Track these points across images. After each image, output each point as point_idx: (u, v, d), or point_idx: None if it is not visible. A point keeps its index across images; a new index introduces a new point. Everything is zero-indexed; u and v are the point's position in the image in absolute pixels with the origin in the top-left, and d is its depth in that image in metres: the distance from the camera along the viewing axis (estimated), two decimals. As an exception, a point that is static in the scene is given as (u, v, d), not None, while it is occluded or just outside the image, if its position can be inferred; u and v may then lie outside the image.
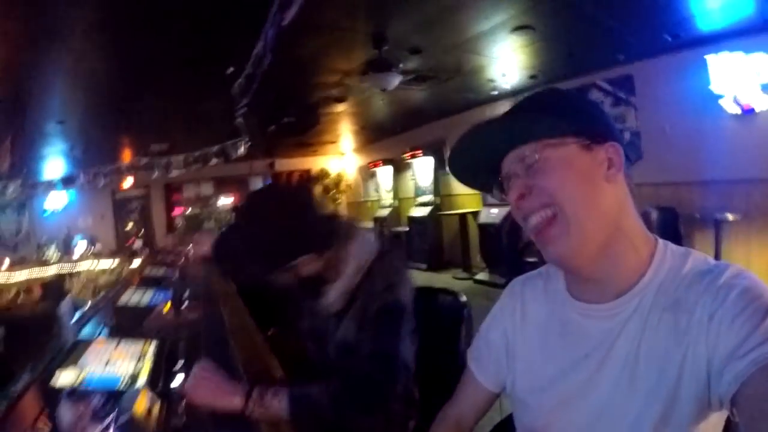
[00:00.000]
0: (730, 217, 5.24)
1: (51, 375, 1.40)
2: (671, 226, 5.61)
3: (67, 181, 9.60)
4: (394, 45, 4.94)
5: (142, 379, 1.45)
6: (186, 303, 2.68)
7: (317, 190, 14.80)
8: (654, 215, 5.66)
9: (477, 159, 1.00)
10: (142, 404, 1.20)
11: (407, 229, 10.82)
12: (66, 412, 0.97)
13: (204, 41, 4.39)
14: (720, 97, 5.43)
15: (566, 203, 0.88)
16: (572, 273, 1.00)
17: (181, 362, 1.63)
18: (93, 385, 1.38)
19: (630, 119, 6.57)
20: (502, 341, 1.15)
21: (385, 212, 12.11)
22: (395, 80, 5.12)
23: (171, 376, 1.55)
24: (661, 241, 0.96)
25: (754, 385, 0.71)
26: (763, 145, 5.23)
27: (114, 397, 1.19)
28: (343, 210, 14.74)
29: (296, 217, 1.51)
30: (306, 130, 7.82)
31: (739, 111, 5.33)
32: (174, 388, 1.47)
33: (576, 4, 4.37)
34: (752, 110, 5.24)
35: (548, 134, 0.91)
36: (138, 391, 1.25)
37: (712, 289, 0.83)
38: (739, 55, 5.22)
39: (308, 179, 14.93)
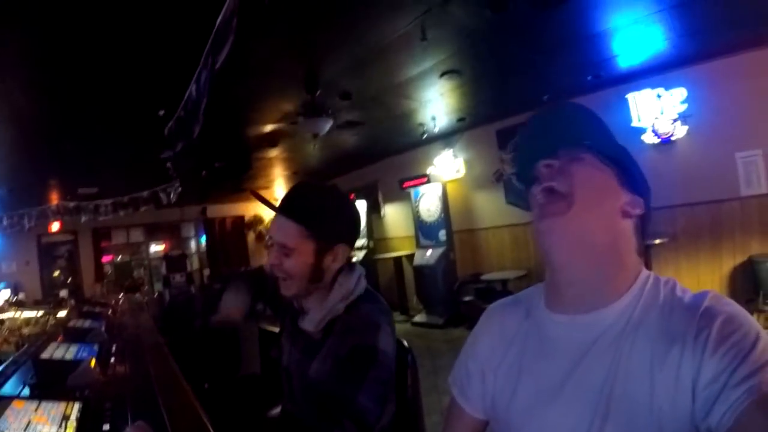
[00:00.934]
0: (657, 241, 5.50)
1: None
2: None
3: (-11, 223, 9.11)
4: (326, 90, 5.00)
5: None
6: (113, 358, 2.58)
7: (250, 236, 14.61)
8: None
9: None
10: None
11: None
12: None
13: (135, 82, 4.33)
14: (642, 131, 5.85)
15: (578, 194, 0.93)
16: (553, 261, 0.99)
17: (106, 426, 1.55)
18: None
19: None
20: (482, 367, 1.13)
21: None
22: (327, 125, 5.16)
23: None
24: (646, 270, 0.97)
25: (751, 419, 0.69)
26: (683, 170, 5.64)
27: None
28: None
29: (350, 206, 1.66)
30: (238, 174, 7.74)
31: (658, 141, 5.77)
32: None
33: (501, 47, 4.56)
34: (669, 139, 5.70)
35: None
36: None
37: (694, 316, 0.82)
38: (659, 90, 5.68)
39: (241, 225, 14.72)
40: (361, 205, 10.28)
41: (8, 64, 3.73)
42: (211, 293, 7.89)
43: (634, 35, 4.56)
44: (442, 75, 5.17)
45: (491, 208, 8.08)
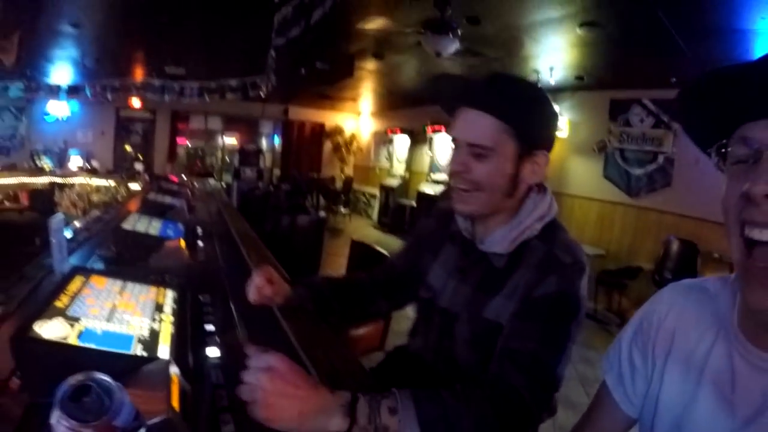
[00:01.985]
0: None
1: (30, 319, 0.95)
2: (689, 260, 5.51)
3: (72, 91, 9.19)
4: (455, 8, 4.61)
5: (164, 347, 1.04)
6: (200, 242, 2.36)
7: (327, 145, 14.54)
8: (675, 246, 5.63)
9: (721, 107, 0.71)
10: (174, 392, 0.82)
11: (414, 203, 10.54)
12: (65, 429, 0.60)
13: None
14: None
15: None
16: None
17: (210, 326, 1.29)
18: (93, 343, 0.95)
19: (666, 144, 6.35)
20: (645, 362, 0.93)
21: (394, 182, 11.82)
22: (453, 45, 4.81)
23: (201, 344, 1.19)
24: None
25: None
26: None
27: (125, 368, 0.84)
28: (350, 171, 14.45)
29: (553, 106, 1.32)
30: (337, 79, 7.46)
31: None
32: (210, 361, 1.13)
33: (651, 12, 4.09)
34: None
35: None
36: (164, 367, 0.88)
37: None
38: None
39: (320, 133, 14.61)
40: (448, 141, 10.00)
41: None
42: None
43: None
44: (582, 24, 4.72)
45: (585, 177, 7.62)
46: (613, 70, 6.24)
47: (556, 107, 7.50)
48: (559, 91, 7.63)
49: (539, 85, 6.82)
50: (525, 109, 1.23)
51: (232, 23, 5.87)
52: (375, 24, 5.75)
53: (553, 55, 6.01)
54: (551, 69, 6.57)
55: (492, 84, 1.27)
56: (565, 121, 7.85)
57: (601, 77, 6.66)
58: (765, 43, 4.22)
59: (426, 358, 1.46)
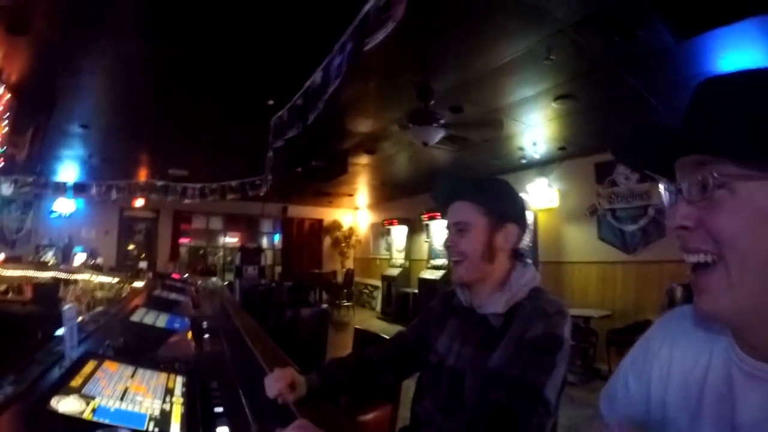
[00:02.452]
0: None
1: (47, 395, 1.04)
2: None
3: (78, 189, 9.43)
4: (437, 100, 4.86)
5: (175, 425, 1.13)
6: (206, 334, 2.44)
7: (326, 241, 14.72)
8: (678, 292, 5.61)
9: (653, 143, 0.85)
10: None
11: (416, 291, 10.59)
12: None
13: (249, 69, 4.35)
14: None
15: (735, 261, 0.69)
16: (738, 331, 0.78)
17: (219, 409, 1.36)
18: (108, 419, 1.03)
19: (655, 196, 6.49)
20: (640, 387, 0.96)
21: (395, 271, 11.92)
22: (438, 135, 5.01)
23: (211, 424, 1.26)
24: None
25: None
26: None
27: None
28: (350, 264, 14.54)
29: (517, 192, 1.73)
30: (333, 176, 7.72)
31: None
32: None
33: (619, 78, 4.38)
34: None
35: (743, 158, 0.68)
36: None
37: None
38: None
39: (319, 229, 14.83)
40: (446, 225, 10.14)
41: (126, 32, 3.79)
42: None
43: None
44: (556, 99, 5.01)
45: (581, 242, 7.73)
46: (592, 136, 6.42)
47: (544, 180, 7.77)
48: (545, 163, 7.92)
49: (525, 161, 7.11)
50: (492, 194, 1.65)
51: (232, 127, 6.18)
52: (364, 124, 6.06)
53: (534, 130, 6.24)
54: (534, 144, 6.81)
55: (471, 183, 1.68)
56: (555, 192, 8.05)
57: (583, 144, 6.85)
58: None
59: (435, 419, 1.59)
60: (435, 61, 4.22)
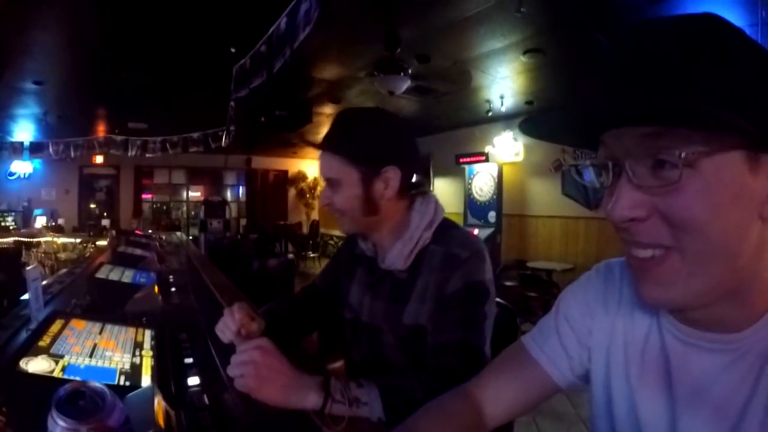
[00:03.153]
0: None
1: (15, 356, 1.01)
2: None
3: (35, 149, 9.15)
4: (404, 49, 4.80)
5: (146, 378, 1.12)
6: (173, 288, 2.41)
7: (291, 192, 14.62)
8: None
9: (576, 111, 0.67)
10: (159, 414, 0.89)
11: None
12: (62, 430, 0.65)
13: (208, 15, 4.17)
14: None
15: (694, 250, 0.60)
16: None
17: (189, 359, 1.36)
18: (78, 376, 1.01)
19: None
20: (584, 329, 0.90)
21: (360, 221, 11.86)
22: (405, 84, 4.98)
23: (182, 375, 1.26)
24: None
25: None
26: None
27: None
28: (316, 216, 14.52)
29: (396, 124, 1.44)
30: (297, 126, 7.59)
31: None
32: (191, 389, 1.19)
33: (589, 34, 4.26)
34: None
35: (710, 126, 0.55)
36: (149, 391, 0.94)
37: None
38: None
39: (284, 180, 14.70)
40: (412, 176, 10.18)
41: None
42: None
43: None
44: (525, 52, 4.99)
45: (545, 196, 7.90)
46: (560, 92, 6.45)
47: (510, 133, 7.82)
48: (511, 117, 7.93)
49: (491, 114, 7.14)
50: (359, 139, 1.37)
51: (193, 76, 5.99)
52: (330, 71, 5.93)
53: (502, 83, 6.23)
54: (501, 97, 6.83)
55: (334, 125, 1.43)
56: (521, 145, 8.14)
57: (550, 99, 6.87)
58: None
59: (364, 370, 1.55)
60: (402, 8, 4.13)
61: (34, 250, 6.03)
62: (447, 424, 0.89)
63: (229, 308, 1.34)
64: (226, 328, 1.34)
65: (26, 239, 7.66)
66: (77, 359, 1.10)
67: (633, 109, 0.59)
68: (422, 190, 1.50)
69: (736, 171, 0.56)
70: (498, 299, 1.56)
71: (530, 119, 0.67)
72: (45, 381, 0.97)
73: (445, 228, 1.42)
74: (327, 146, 1.39)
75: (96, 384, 0.75)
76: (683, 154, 0.55)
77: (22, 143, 9.23)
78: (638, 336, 0.80)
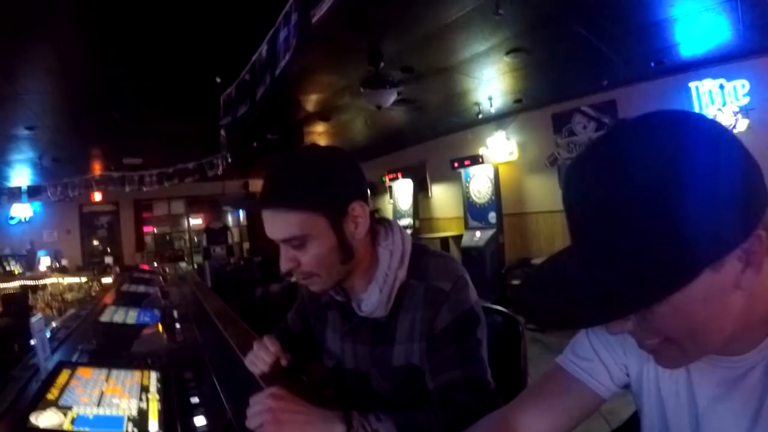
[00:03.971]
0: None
1: (25, 412, 1.02)
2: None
3: (33, 192, 9.20)
4: (388, 63, 4.84)
5: (153, 422, 1.14)
6: (177, 324, 2.43)
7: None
8: None
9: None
10: None
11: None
12: None
13: (191, 49, 4.23)
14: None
15: (682, 343, 0.68)
16: None
17: (195, 399, 1.37)
18: (87, 427, 1.04)
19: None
20: (618, 346, 0.95)
21: (361, 236, 11.89)
22: (391, 97, 5.02)
23: (189, 415, 1.27)
24: None
25: None
26: None
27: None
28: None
29: (344, 160, 1.25)
30: (289, 147, 7.64)
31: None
32: (199, 430, 1.20)
33: (569, 29, 4.39)
34: None
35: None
36: None
37: None
38: (721, 81, 5.52)
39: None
40: (408, 185, 10.24)
41: (62, 26, 3.63)
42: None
43: (699, 24, 4.42)
44: (508, 53, 4.99)
45: (543, 192, 7.85)
46: (547, 88, 6.50)
47: (502, 133, 7.85)
48: (502, 117, 8.00)
49: (481, 116, 7.17)
50: (315, 183, 1.17)
51: (182, 110, 6.03)
52: (317, 91, 5.97)
53: (489, 85, 6.23)
54: (490, 98, 6.84)
55: (275, 179, 1.21)
56: (514, 144, 8.16)
57: (538, 96, 6.93)
58: (684, 28, 4.49)
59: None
60: (383, 24, 4.17)
61: (41, 292, 6.05)
62: None
63: (260, 341, 1.35)
64: (259, 360, 1.36)
65: (32, 282, 7.68)
66: (85, 410, 1.12)
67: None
68: (378, 217, 1.38)
69: (699, 286, 0.60)
70: (499, 307, 1.56)
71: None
72: (56, 435, 0.99)
73: (418, 257, 1.33)
74: (278, 203, 1.18)
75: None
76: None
77: (19, 188, 9.26)
78: None
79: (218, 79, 4.73)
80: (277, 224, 1.18)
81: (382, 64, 4.77)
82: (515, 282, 7.36)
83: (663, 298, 0.61)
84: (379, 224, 1.35)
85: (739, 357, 0.74)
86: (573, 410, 0.97)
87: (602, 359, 0.96)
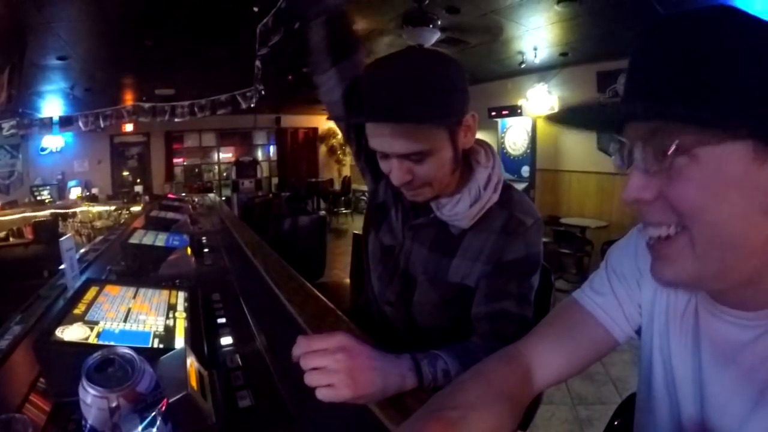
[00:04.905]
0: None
1: (51, 325, 1.02)
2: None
3: (64, 123, 9.24)
4: (433, 1, 4.66)
5: (179, 339, 1.12)
6: (206, 249, 2.42)
7: (321, 149, 14.61)
8: None
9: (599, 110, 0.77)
10: (192, 375, 0.88)
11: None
12: (93, 398, 0.66)
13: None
14: None
15: (702, 234, 0.63)
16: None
17: (222, 320, 1.35)
18: (113, 341, 1.02)
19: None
20: (634, 283, 0.94)
21: (392, 180, 11.86)
22: (434, 36, 4.87)
23: (215, 335, 1.27)
24: None
25: None
26: None
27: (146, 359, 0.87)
28: (347, 172, 14.52)
29: (458, 68, 1.20)
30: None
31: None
32: (224, 349, 1.19)
33: None
34: None
35: (712, 119, 0.58)
36: (181, 353, 0.93)
37: None
38: None
39: (314, 137, 14.68)
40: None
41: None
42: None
43: None
44: (559, 1, 4.75)
45: (580, 152, 7.67)
46: (595, 43, 6.21)
47: (544, 86, 7.64)
48: (545, 69, 7.71)
49: (524, 66, 6.97)
50: (436, 97, 1.12)
51: (217, 39, 5.92)
52: (358, 24, 5.80)
53: (535, 34, 6.00)
54: (535, 49, 6.58)
55: (392, 91, 1.12)
56: (555, 98, 7.92)
57: (585, 51, 6.64)
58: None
59: (382, 310, 1.51)
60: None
61: (71, 220, 6.18)
62: (488, 391, 0.84)
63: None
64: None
65: (62, 210, 7.84)
66: (111, 324, 1.11)
67: (641, 114, 0.66)
68: (481, 140, 1.35)
69: (739, 162, 0.59)
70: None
71: (558, 116, 0.78)
72: (80, 348, 0.97)
73: (508, 190, 1.34)
74: (401, 117, 1.11)
75: (125, 350, 0.74)
76: (676, 143, 0.60)
77: (51, 118, 9.30)
78: (681, 299, 0.84)
79: (255, 9, 4.60)
80: (401, 139, 1.13)
81: (426, 1, 4.59)
82: (544, 239, 7.30)
83: (711, 124, 0.58)
84: (480, 145, 1.35)
85: (754, 314, 0.69)
86: (585, 346, 0.96)
87: (617, 295, 0.95)
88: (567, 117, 0.80)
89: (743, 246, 0.62)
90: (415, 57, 1.21)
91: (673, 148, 0.60)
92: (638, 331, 0.95)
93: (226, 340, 1.26)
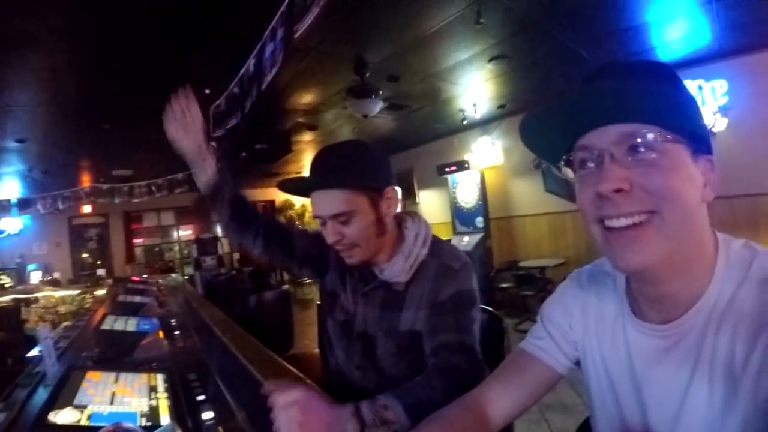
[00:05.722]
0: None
1: (42, 410, 1.12)
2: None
3: (22, 205, 9.18)
4: (374, 72, 4.95)
5: (165, 416, 1.24)
6: (177, 331, 2.50)
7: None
8: None
9: (558, 121, 0.85)
10: None
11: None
12: None
13: (180, 61, 4.29)
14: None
15: (671, 214, 0.76)
16: (643, 285, 0.89)
17: (201, 397, 1.46)
18: (103, 422, 1.06)
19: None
20: (566, 326, 1.11)
21: (352, 245, 11.91)
22: (377, 106, 5.12)
23: (196, 411, 1.36)
24: (721, 240, 0.86)
25: None
26: (722, 162, 5.39)
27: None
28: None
29: (378, 152, 1.52)
30: (277, 157, 7.71)
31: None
32: (207, 423, 1.30)
33: (549, 35, 4.51)
34: (710, 132, 5.51)
35: (667, 124, 0.77)
36: (170, 428, 1.05)
37: None
38: (700, 82, 5.66)
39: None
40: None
41: (51, 38, 3.68)
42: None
43: (675, 27, 4.60)
44: (490, 60, 5.11)
45: (529, 196, 8.01)
46: (530, 92, 6.59)
47: (488, 138, 7.96)
48: (486, 122, 8.13)
49: (466, 122, 7.28)
50: (360, 167, 1.43)
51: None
52: (305, 100, 6.05)
53: (473, 91, 6.36)
54: (474, 105, 6.98)
55: (324, 163, 1.47)
56: (499, 149, 8.29)
57: (523, 100, 7.01)
58: (658, 33, 4.67)
59: (352, 375, 1.65)
60: (367, 34, 4.26)
61: (33, 306, 6.05)
62: (449, 430, 1.02)
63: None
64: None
65: (23, 296, 7.65)
66: (99, 408, 1.21)
67: (614, 109, 0.78)
68: (408, 210, 1.67)
69: (686, 158, 0.79)
70: (484, 306, 1.68)
71: (527, 118, 0.88)
72: (74, 431, 1.08)
73: (435, 241, 1.57)
74: (327, 184, 1.43)
75: (129, 425, 0.86)
76: (656, 138, 0.76)
77: (9, 200, 9.24)
78: (607, 325, 1.01)
79: (207, 91, 4.80)
80: (328, 201, 1.43)
81: (367, 74, 4.87)
82: (504, 285, 7.49)
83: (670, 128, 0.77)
84: (407, 214, 1.63)
85: (667, 326, 0.86)
86: (532, 385, 1.11)
87: (553, 337, 1.11)
88: (527, 130, 0.92)
89: (694, 227, 0.80)
90: (344, 146, 1.53)
91: (647, 142, 0.76)
92: (578, 363, 1.11)
93: (207, 415, 1.34)
